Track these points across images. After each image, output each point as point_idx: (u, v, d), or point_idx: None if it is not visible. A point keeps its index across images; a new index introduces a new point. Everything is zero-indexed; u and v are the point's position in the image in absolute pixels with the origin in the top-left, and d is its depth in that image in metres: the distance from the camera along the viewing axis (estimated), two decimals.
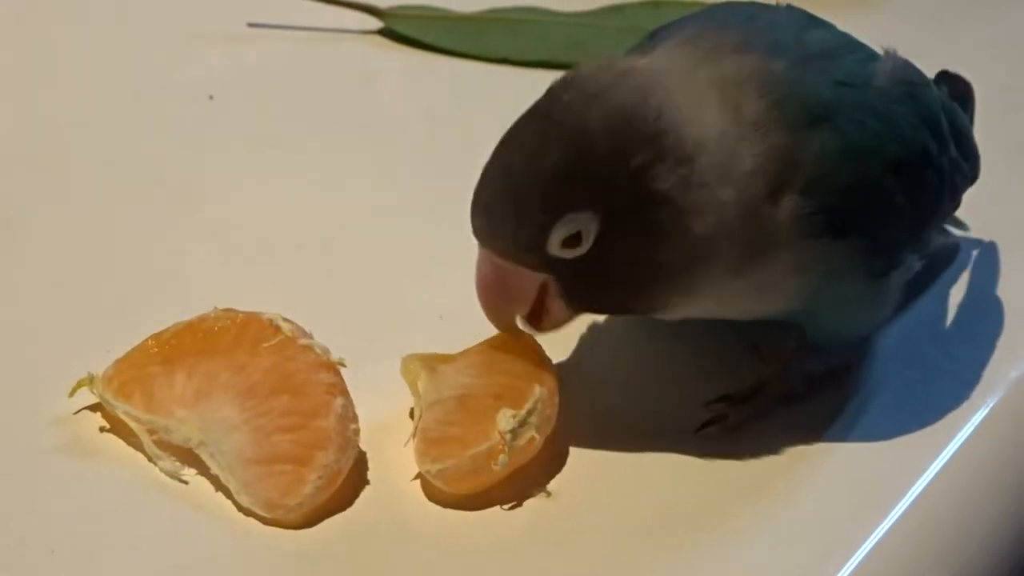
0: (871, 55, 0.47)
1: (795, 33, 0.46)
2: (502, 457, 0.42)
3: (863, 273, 0.46)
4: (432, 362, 0.46)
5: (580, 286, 0.43)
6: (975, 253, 0.56)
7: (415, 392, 0.45)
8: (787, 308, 0.46)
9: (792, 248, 0.43)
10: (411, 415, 0.46)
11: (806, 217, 0.43)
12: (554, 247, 0.42)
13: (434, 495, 0.43)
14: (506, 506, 0.43)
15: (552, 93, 0.43)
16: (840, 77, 0.44)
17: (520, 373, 0.45)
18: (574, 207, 0.41)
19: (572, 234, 0.42)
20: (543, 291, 0.44)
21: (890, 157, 0.45)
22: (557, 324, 0.45)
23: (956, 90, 0.55)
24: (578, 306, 0.45)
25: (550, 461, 0.45)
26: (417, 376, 0.45)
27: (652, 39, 0.47)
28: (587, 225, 0.41)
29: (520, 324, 0.45)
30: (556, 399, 0.45)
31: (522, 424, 0.43)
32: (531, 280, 0.43)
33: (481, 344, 0.46)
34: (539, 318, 0.45)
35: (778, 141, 0.43)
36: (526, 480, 0.44)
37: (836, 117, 0.43)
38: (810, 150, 0.43)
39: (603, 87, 0.42)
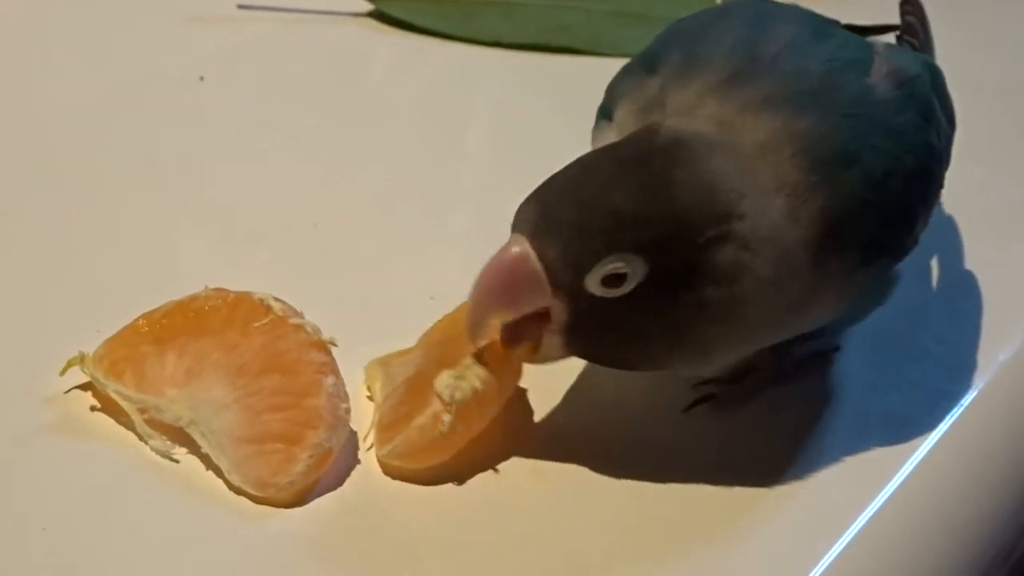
0: (866, 62, 0.46)
1: (800, 65, 0.45)
2: (446, 417, 0.42)
3: (885, 280, 0.46)
4: (388, 361, 0.46)
5: (587, 328, 0.42)
6: (964, 237, 0.56)
7: (374, 391, 0.46)
8: (816, 326, 0.46)
9: (830, 291, 0.43)
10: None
11: (841, 260, 0.43)
12: (594, 277, 0.41)
13: (406, 476, 0.44)
14: (494, 485, 0.44)
15: (644, 139, 0.43)
16: (848, 110, 0.44)
17: (459, 346, 0.44)
18: (631, 249, 0.40)
19: (617, 274, 0.40)
20: (541, 321, 0.42)
21: (907, 170, 0.45)
22: (545, 359, 0.44)
23: (918, 17, 0.57)
24: (575, 346, 0.43)
25: (541, 440, 0.45)
26: (375, 380, 0.46)
27: (648, 72, 0.46)
28: (634, 272, 0.41)
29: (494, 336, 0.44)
30: (497, 349, 0.44)
31: (460, 378, 0.43)
32: (541, 298, 0.41)
33: (433, 328, 0.47)
34: (518, 341, 0.43)
35: (822, 203, 0.42)
36: (516, 459, 0.44)
37: (855, 154, 0.43)
38: (836, 195, 0.43)
39: (696, 149, 0.42)
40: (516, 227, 0.42)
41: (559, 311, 0.42)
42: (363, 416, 0.45)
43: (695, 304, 0.41)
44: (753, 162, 0.42)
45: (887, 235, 0.45)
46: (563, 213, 0.41)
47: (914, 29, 0.57)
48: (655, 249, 0.40)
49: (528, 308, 0.42)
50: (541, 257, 0.41)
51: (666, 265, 0.41)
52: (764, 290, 0.42)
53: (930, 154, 0.46)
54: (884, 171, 0.44)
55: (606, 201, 0.41)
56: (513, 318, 0.42)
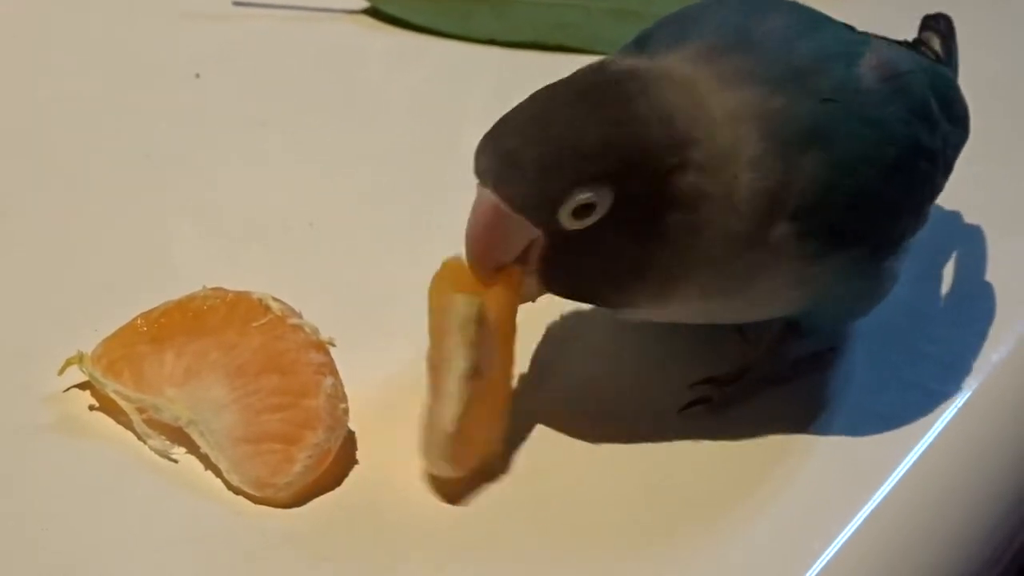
0: (855, 54, 0.46)
1: (786, 47, 0.46)
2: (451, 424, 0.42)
3: (863, 273, 0.46)
4: (477, 303, 0.43)
5: (563, 260, 0.43)
6: (960, 237, 0.57)
7: (464, 345, 0.43)
8: (783, 313, 0.47)
9: (788, 268, 0.44)
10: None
11: (800, 239, 0.43)
12: (565, 212, 0.42)
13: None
14: (492, 485, 0.44)
15: (598, 72, 0.43)
16: (828, 94, 0.44)
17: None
18: (597, 180, 0.41)
19: (586, 204, 0.42)
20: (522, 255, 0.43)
21: (885, 161, 0.45)
22: (525, 298, 0.45)
23: (942, 34, 0.56)
24: (552, 283, 0.44)
25: (539, 440, 0.46)
26: (466, 318, 0.43)
27: (639, 48, 0.47)
28: (602, 202, 0.42)
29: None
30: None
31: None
32: (526, 233, 0.43)
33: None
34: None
35: (772, 178, 0.43)
36: (514, 459, 0.45)
37: (827, 136, 0.44)
38: (801, 176, 0.43)
39: (652, 80, 0.43)
40: (480, 175, 0.43)
41: (535, 247, 0.43)
42: (362, 416, 0.45)
43: (659, 230, 0.42)
44: (716, 116, 0.43)
45: (857, 223, 0.45)
46: (525, 153, 0.42)
47: (925, 44, 0.56)
48: (620, 178, 0.41)
49: (518, 248, 0.43)
50: (512, 203, 0.42)
51: (631, 193, 0.42)
52: (721, 215, 0.42)
53: (917, 150, 0.46)
54: (857, 157, 0.44)
55: (568, 135, 0.42)
56: (513, 258, 0.43)
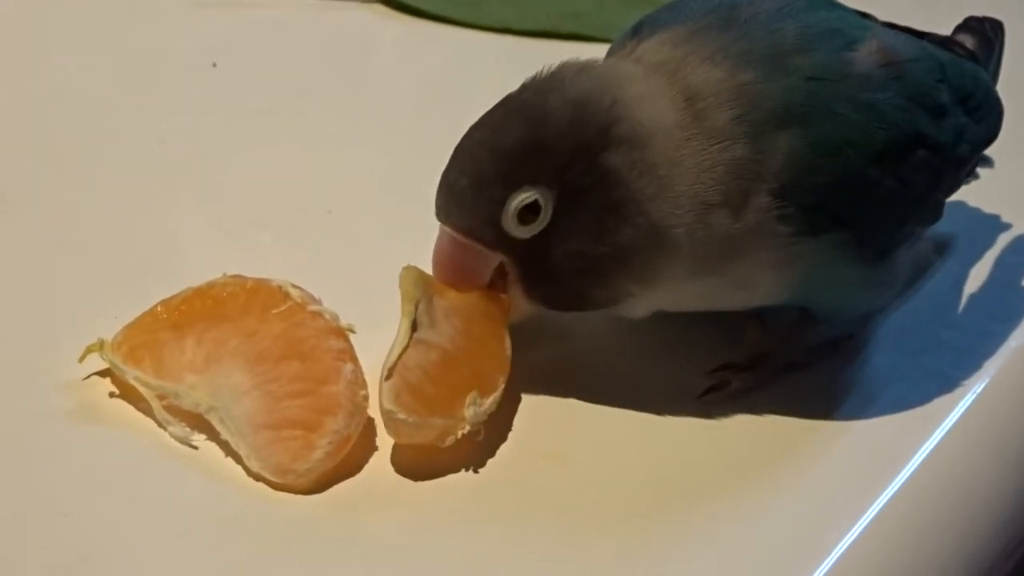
0: (853, 39, 0.46)
1: (774, 26, 0.46)
2: (451, 437, 0.43)
3: (855, 262, 0.46)
4: (431, 288, 0.46)
5: (537, 271, 0.44)
6: (977, 225, 0.57)
7: (407, 312, 0.45)
8: (776, 299, 0.47)
9: (768, 248, 0.44)
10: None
11: (778, 218, 0.44)
12: (509, 221, 0.43)
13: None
14: (512, 470, 0.44)
15: (523, 84, 0.45)
16: (812, 72, 0.45)
17: (492, 352, 0.45)
18: (529, 181, 0.43)
19: (528, 206, 0.43)
20: (502, 276, 0.45)
21: (873, 147, 0.45)
22: (518, 315, 0.46)
23: (982, 37, 0.55)
24: (536, 294, 0.45)
25: (557, 425, 0.46)
26: (417, 297, 0.45)
27: (634, 36, 0.47)
28: (543, 201, 0.43)
29: None
30: (503, 391, 0.45)
31: (480, 417, 0.44)
32: (487, 260, 0.45)
33: (466, 297, 0.46)
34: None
35: (739, 153, 0.43)
36: (532, 444, 0.45)
37: (807, 115, 0.44)
38: (777, 153, 0.43)
39: (566, 78, 0.44)
40: (436, 213, 0.45)
41: (508, 265, 0.45)
42: None
43: (612, 211, 0.43)
44: (665, 93, 0.44)
45: (840, 206, 0.45)
46: (460, 180, 0.44)
47: (957, 43, 0.55)
48: (550, 173, 0.43)
49: (486, 275, 0.45)
50: (461, 230, 0.44)
51: (569, 184, 0.43)
52: (665, 188, 0.43)
53: (915, 138, 0.46)
54: (843, 139, 0.44)
55: (489, 147, 0.44)
56: (482, 284, 0.45)
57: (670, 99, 0.44)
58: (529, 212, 0.43)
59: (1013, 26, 0.58)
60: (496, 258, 0.45)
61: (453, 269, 0.45)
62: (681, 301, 0.47)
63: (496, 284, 0.46)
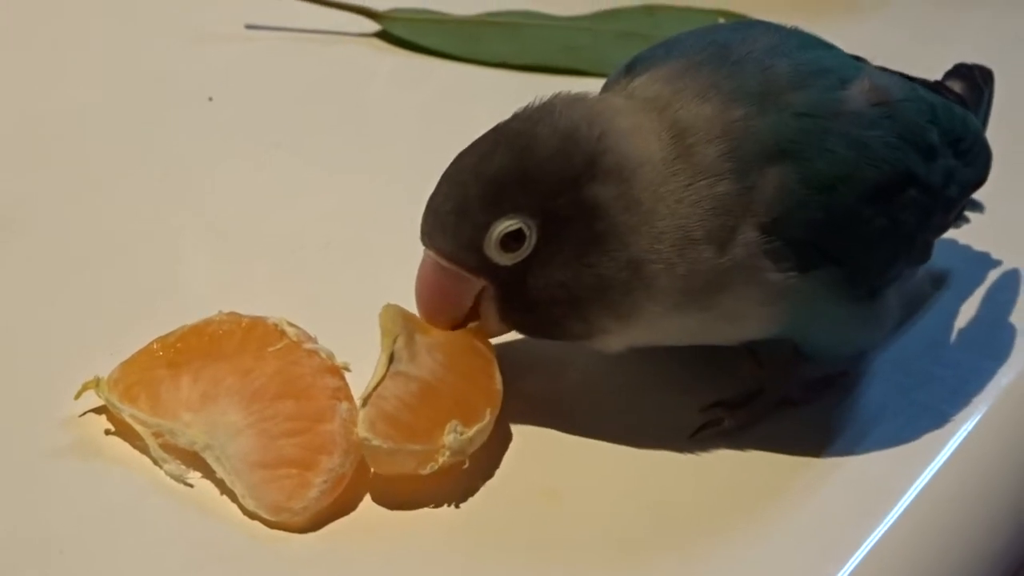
0: (845, 78, 0.46)
1: (766, 64, 0.46)
2: (431, 464, 0.43)
3: (844, 300, 0.46)
4: (412, 325, 0.46)
5: (516, 297, 0.45)
6: (971, 265, 0.57)
7: (386, 347, 0.45)
8: (765, 333, 0.47)
9: (755, 283, 0.44)
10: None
11: (766, 253, 0.44)
12: (492, 248, 0.44)
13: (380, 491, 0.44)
14: (507, 507, 0.44)
15: (515, 114, 0.45)
16: (804, 109, 0.45)
17: (479, 386, 0.46)
18: (513, 209, 0.43)
19: (510, 233, 0.43)
20: (479, 299, 0.46)
21: (865, 184, 0.45)
22: (489, 333, 0.47)
23: (972, 83, 0.56)
24: (511, 319, 0.46)
25: (552, 463, 0.46)
26: (396, 333, 0.46)
27: (628, 73, 0.48)
28: (526, 230, 0.43)
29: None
30: (492, 425, 0.45)
31: (463, 446, 0.44)
32: (469, 285, 0.45)
33: (451, 335, 0.47)
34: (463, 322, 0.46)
35: (726, 189, 0.43)
36: (527, 482, 0.45)
37: (798, 151, 0.44)
38: (767, 188, 0.44)
39: (556, 109, 0.44)
40: (421, 237, 0.45)
41: (487, 289, 0.45)
42: None
43: (597, 243, 0.43)
44: (652, 128, 0.44)
45: (830, 243, 0.45)
46: (444, 205, 0.44)
47: (946, 87, 0.55)
48: (534, 202, 0.43)
49: (467, 301, 0.46)
50: (444, 255, 0.45)
51: (552, 215, 0.43)
52: (647, 223, 0.43)
53: (906, 177, 0.46)
54: (835, 176, 0.44)
55: (475, 174, 0.44)
56: (464, 313, 0.46)
57: (658, 134, 0.44)
58: (512, 240, 0.44)
59: (1002, 73, 0.58)
60: (478, 284, 0.45)
61: (434, 293, 0.46)
62: (663, 337, 0.47)
63: (474, 312, 0.46)
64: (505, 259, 0.44)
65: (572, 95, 0.45)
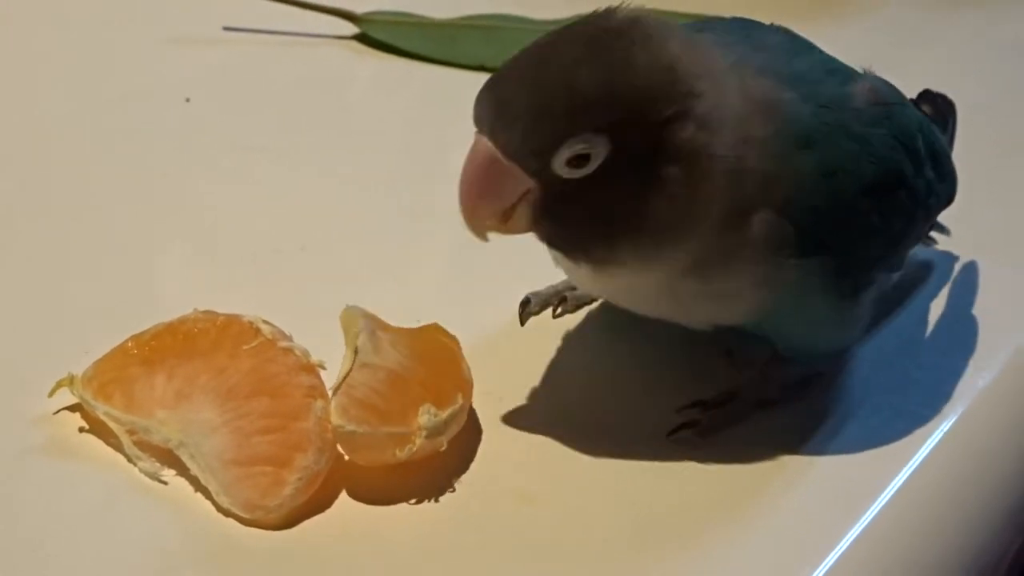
0: (848, 76, 0.47)
1: (788, 56, 0.47)
2: (408, 447, 0.43)
3: (829, 293, 0.46)
4: (373, 324, 0.46)
5: (556, 208, 0.43)
6: (947, 266, 0.57)
7: (350, 343, 0.45)
8: (747, 319, 0.47)
9: (757, 262, 0.44)
10: None
11: (776, 234, 0.44)
12: (559, 160, 0.42)
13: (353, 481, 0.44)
14: (482, 508, 0.44)
15: (602, 19, 0.43)
16: (825, 101, 0.45)
17: (446, 374, 0.46)
18: (594, 128, 0.41)
19: (581, 154, 0.41)
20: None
21: (865, 178, 0.45)
22: (514, 230, 0.44)
23: (937, 109, 0.56)
24: (541, 225, 0.44)
25: (528, 464, 0.46)
26: (357, 330, 0.46)
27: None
28: (597, 152, 0.41)
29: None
30: (467, 411, 0.46)
31: (438, 427, 0.44)
32: (519, 182, 0.42)
33: (414, 329, 0.47)
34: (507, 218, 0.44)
35: (769, 167, 0.43)
36: (503, 483, 0.45)
37: (820, 140, 0.44)
38: (791, 172, 0.44)
39: (651, 34, 0.42)
40: (476, 123, 0.43)
41: (533, 192, 0.43)
42: None
43: (656, 183, 0.42)
44: (717, 61, 0.43)
45: (828, 231, 0.45)
46: (520, 100, 0.41)
47: (920, 109, 0.55)
48: (617, 129, 0.41)
49: (512, 198, 0.43)
50: (506, 150, 0.42)
51: (628, 144, 0.41)
52: (720, 177, 0.42)
53: (899, 177, 0.47)
54: (839, 167, 0.45)
55: (565, 83, 0.41)
56: (505, 208, 0.43)
57: (738, 95, 0.43)
58: (580, 159, 0.42)
59: (984, 78, 0.58)
60: (527, 185, 0.42)
61: (485, 184, 0.43)
62: (652, 300, 0.46)
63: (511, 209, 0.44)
64: (566, 173, 0.42)
65: (658, 18, 0.43)
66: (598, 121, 0.41)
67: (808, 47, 0.49)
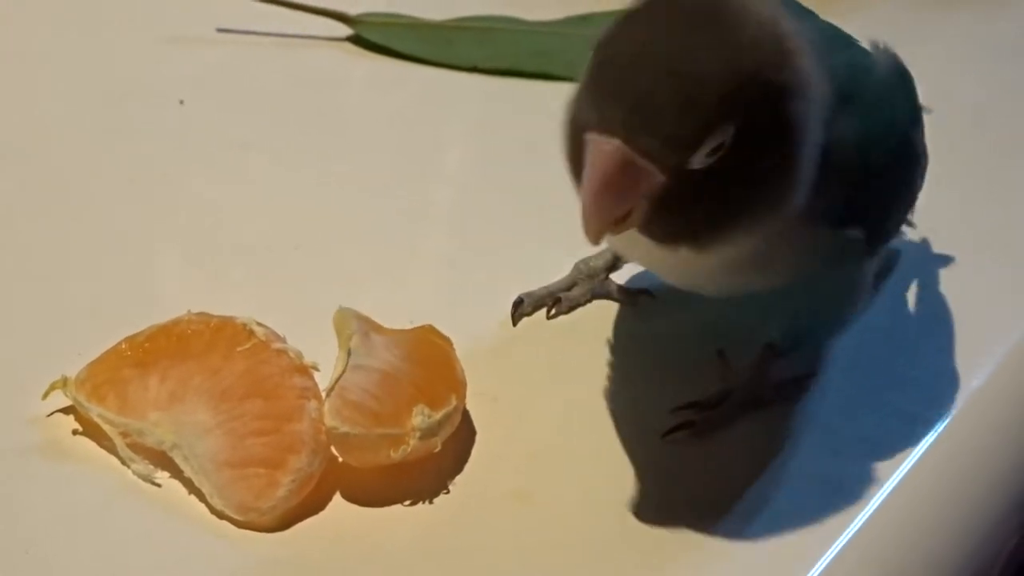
0: (865, 49, 0.48)
1: (819, 25, 0.47)
2: (403, 448, 0.43)
3: (858, 260, 0.47)
4: (367, 326, 0.46)
5: (679, 199, 0.40)
6: (943, 266, 0.57)
7: (343, 345, 0.45)
8: (776, 286, 0.46)
9: (798, 229, 0.43)
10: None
11: (817, 202, 0.42)
12: (702, 153, 0.39)
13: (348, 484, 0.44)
14: (478, 508, 0.44)
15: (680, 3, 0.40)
16: (858, 64, 0.46)
17: (439, 375, 0.46)
18: (733, 115, 0.39)
19: (720, 143, 0.39)
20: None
21: (891, 144, 0.46)
22: (626, 228, 0.40)
23: None
24: (656, 219, 0.40)
25: (524, 464, 0.46)
26: (350, 332, 0.46)
27: None
28: (727, 138, 0.39)
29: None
30: (461, 412, 0.46)
31: (432, 428, 0.44)
32: (653, 184, 0.39)
33: (407, 331, 0.47)
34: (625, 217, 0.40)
35: (826, 137, 0.42)
36: (499, 483, 0.45)
37: (854, 102, 0.43)
38: (836, 137, 0.42)
39: (776, 18, 0.41)
40: (599, 125, 0.39)
41: (658, 186, 0.39)
42: None
43: (773, 158, 0.40)
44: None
45: (862, 199, 0.44)
46: (659, 94, 0.38)
47: None
48: (746, 112, 0.39)
49: (643, 194, 0.39)
50: (642, 150, 0.38)
51: (751, 125, 0.39)
52: (811, 148, 0.41)
53: (916, 148, 0.48)
54: (875, 135, 0.44)
55: (696, 70, 0.38)
56: (630, 208, 0.40)
57: (813, 63, 0.41)
58: (717, 148, 0.39)
59: (973, 75, 0.58)
60: (660, 181, 0.39)
61: (617, 187, 0.39)
62: (706, 274, 0.45)
63: None
64: (700, 164, 0.39)
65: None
66: (737, 106, 0.39)
67: (812, 13, 0.48)
